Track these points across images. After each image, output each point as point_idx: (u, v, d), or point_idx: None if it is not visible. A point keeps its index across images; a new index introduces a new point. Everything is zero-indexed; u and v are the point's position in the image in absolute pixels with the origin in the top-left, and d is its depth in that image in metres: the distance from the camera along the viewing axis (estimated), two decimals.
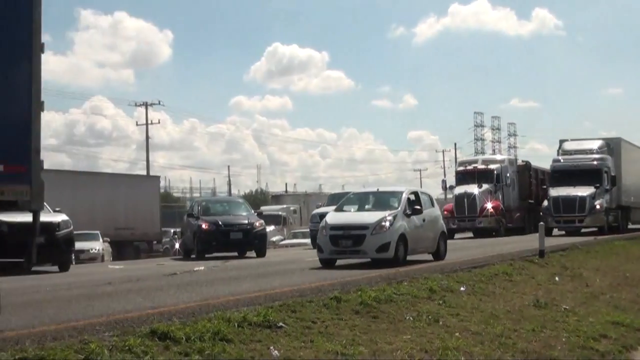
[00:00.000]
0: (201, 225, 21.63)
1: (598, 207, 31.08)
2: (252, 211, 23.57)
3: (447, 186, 37.07)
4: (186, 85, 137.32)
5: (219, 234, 21.42)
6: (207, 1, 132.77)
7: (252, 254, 22.00)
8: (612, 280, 16.32)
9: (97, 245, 34.63)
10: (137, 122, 63.93)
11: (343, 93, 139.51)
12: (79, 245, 31.73)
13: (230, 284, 11.98)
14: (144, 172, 59.80)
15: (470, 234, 33.11)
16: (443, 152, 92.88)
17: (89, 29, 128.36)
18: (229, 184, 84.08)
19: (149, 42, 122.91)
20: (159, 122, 63.49)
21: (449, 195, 36.90)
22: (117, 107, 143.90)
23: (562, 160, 33.08)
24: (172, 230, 41.40)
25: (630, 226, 36.88)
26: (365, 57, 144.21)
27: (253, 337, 7.31)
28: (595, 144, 33.52)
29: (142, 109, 60.91)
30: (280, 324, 7.87)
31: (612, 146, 33.99)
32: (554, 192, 31.83)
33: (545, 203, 31.90)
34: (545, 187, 35.27)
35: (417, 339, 8.24)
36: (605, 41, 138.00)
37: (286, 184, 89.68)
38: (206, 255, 21.26)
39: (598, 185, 31.30)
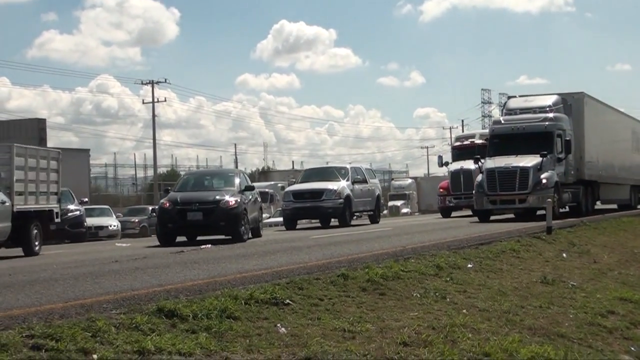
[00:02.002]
0: (162, 204, 18.96)
1: (545, 181, 23.36)
2: (246, 185, 20.59)
3: (443, 162, 33.53)
4: (193, 63, 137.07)
5: (175, 215, 18.30)
6: None
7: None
8: (620, 257, 16.28)
9: (113, 222, 34.69)
10: (143, 101, 64.01)
11: (350, 70, 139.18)
12: (94, 221, 31.71)
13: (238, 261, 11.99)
14: (151, 151, 59.80)
15: (469, 212, 30.78)
16: (450, 129, 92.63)
17: (95, 7, 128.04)
18: (236, 162, 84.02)
19: (155, 21, 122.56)
20: (165, 101, 63.58)
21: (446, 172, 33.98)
22: (123, 86, 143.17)
23: (503, 122, 25.78)
24: (150, 208, 39.37)
25: (599, 206, 31.09)
26: (373, 35, 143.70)
27: (260, 315, 7.31)
28: (548, 100, 26.08)
29: (149, 88, 60.91)
30: (288, 301, 7.86)
31: (571, 103, 26.64)
32: (491, 162, 24.35)
33: (479, 178, 24.51)
34: None
35: (424, 315, 8.23)
36: (614, 17, 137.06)
37: (293, 162, 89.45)
38: (176, 240, 18.52)
39: (546, 152, 23.59)
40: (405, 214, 57.20)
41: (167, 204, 18.59)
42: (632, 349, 8.95)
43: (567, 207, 26.67)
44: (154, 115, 60.48)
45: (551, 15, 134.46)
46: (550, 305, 9.94)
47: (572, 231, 18.76)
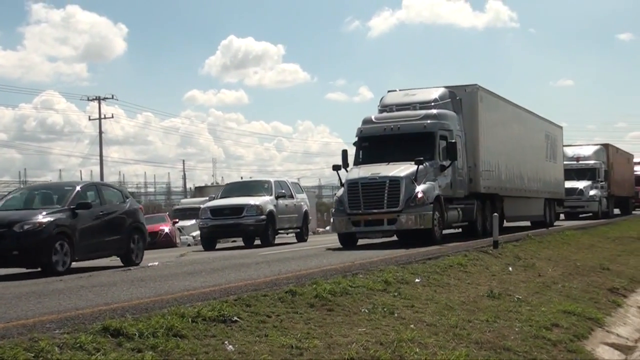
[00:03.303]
0: None
1: (421, 195, 18.35)
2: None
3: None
4: (140, 79, 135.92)
5: None
6: None
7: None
8: (564, 270, 16.57)
9: None
10: (89, 117, 63.22)
11: (299, 86, 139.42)
12: None
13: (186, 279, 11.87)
14: (98, 168, 59.05)
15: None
16: None
17: (40, 23, 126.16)
18: (184, 178, 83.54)
19: (102, 36, 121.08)
20: (112, 117, 62.91)
21: None
22: (69, 102, 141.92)
23: (374, 121, 20.43)
24: None
25: (507, 224, 26.22)
26: (321, 51, 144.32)
27: (207, 332, 7.25)
28: (432, 94, 21.07)
29: (95, 104, 60.21)
30: (235, 318, 7.81)
31: (461, 98, 21.66)
32: (355, 172, 19.30)
33: (340, 192, 19.53)
34: None
35: (372, 331, 8.25)
36: (557, 33, 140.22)
37: (241, 177, 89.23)
38: None
39: (422, 159, 18.55)
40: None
41: None
42: None
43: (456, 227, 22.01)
44: (100, 132, 59.82)
45: (496, 31, 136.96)
46: (497, 319, 10.06)
47: (517, 245, 19.03)
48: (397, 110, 20.87)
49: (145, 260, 16.93)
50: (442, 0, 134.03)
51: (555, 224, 31.31)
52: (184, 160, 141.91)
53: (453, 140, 20.10)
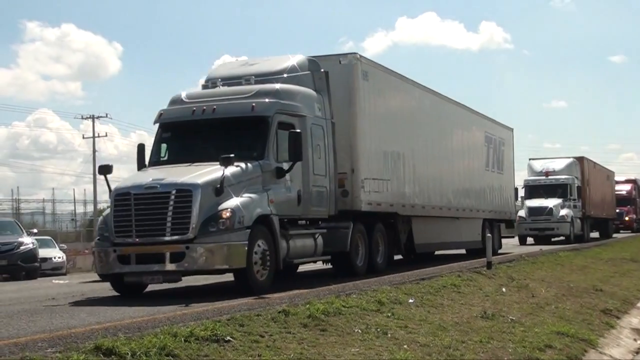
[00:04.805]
0: None
1: (228, 216, 11.83)
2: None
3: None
4: (135, 98, 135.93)
5: None
6: (156, 14, 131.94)
7: None
8: (557, 291, 16.56)
9: (57, 253, 32.19)
10: (83, 136, 63.28)
11: None
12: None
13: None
14: (91, 186, 59.00)
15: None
16: None
17: (35, 41, 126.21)
18: None
19: (97, 55, 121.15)
20: (106, 135, 63.11)
21: None
22: (63, 120, 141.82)
23: (184, 100, 14.01)
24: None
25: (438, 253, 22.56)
26: None
27: (200, 352, 7.22)
28: (281, 63, 14.72)
29: (89, 122, 60.37)
30: (228, 337, 7.79)
31: (327, 71, 14.95)
32: (133, 178, 13.15)
33: (106, 211, 13.62)
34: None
35: (365, 351, 8.23)
36: (550, 54, 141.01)
37: None
38: None
39: (230, 156, 12.12)
40: None
41: None
42: None
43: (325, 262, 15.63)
44: (94, 150, 59.90)
45: (490, 52, 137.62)
46: (490, 339, 10.04)
47: (511, 266, 19.03)
48: (225, 85, 14.09)
49: None
50: (436, 21, 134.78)
51: (502, 251, 25.38)
52: None
53: (297, 131, 13.20)
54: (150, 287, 13.03)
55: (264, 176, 12.78)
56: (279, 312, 9.25)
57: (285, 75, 14.24)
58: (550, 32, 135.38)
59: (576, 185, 35.62)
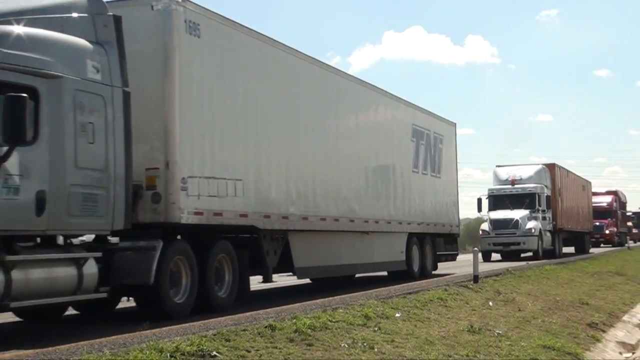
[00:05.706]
0: None
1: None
2: None
3: None
4: None
5: None
6: None
7: None
8: (544, 305, 16.60)
9: None
10: None
11: None
12: None
13: None
14: None
15: None
16: None
17: None
18: None
19: None
20: None
21: None
22: None
23: None
24: None
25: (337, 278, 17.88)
26: None
27: None
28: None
29: None
30: (214, 353, 7.75)
31: (112, 16, 10.32)
32: None
33: None
34: None
35: None
36: (536, 69, 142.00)
37: None
38: None
39: None
40: None
41: None
42: None
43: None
44: None
45: (477, 66, 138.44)
46: (477, 354, 10.05)
47: (498, 280, 19.05)
48: None
49: None
50: (422, 35, 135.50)
51: (439, 271, 21.51)
52: None
53: (21, 95, 8.59)
54: None
55: None
56: (266, 326, 9.22)
57: (41, 16, 9.63)
58: (536, 47, 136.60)
59: (545, 194, 32.16)
